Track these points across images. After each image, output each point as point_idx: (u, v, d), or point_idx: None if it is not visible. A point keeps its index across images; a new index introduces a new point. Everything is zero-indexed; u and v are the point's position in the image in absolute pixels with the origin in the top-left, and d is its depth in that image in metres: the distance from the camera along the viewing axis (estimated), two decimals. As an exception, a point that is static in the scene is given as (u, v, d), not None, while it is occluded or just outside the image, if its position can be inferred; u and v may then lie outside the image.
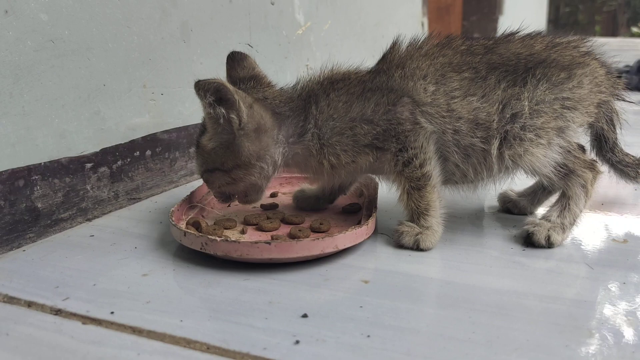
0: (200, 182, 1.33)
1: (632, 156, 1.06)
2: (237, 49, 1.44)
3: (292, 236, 0.96)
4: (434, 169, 0.93)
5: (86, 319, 0.73)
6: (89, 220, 1.09)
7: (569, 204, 0.96)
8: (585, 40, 0.98)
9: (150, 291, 0.81)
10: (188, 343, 0.68)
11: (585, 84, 0.93)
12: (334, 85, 0.96)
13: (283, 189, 1.24)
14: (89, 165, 1.08)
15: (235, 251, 0.84)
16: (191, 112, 1.33)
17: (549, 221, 0.95)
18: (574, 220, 0.95)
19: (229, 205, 1.15)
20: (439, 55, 0.95)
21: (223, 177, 0.96)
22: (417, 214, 0.94)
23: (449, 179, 0.97)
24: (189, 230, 0.89)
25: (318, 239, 0.85)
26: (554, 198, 1.10)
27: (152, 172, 1.23)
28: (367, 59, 1.01)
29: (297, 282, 0.83)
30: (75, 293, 0.80)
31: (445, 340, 0.68)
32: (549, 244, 0.93)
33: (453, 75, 0.93)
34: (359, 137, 0.93)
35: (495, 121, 0.92)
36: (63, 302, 0.77)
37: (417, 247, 0.92)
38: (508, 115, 0.92)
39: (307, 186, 1.15)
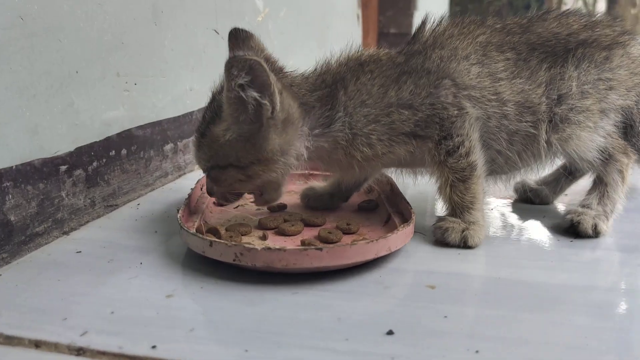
0: (178, 183, 1.18)
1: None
2: (205, 35, 1.31)
3: (323, 240, 0.84)
4: (479, 158, 0.85)
5: (122, 358, 0.58)
6: (66, 233, 0.91)
7: (607, 191, 0.91)
8: (619, 20, 0.94)
9: (187, 316, 0.67)
10: (269, 379, 0.55)
11: (624, 64, 0.89)
12: (363, 68, 0.86)
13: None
14: (63, 167, 0.90)
15: (279, 261, 0.71)
16: (164, 104, 1.17)
17: (592, 209, 0.90)
18: (614, 208, 0.91)
19: (221, 205, 1.01)
20: (478, 34, 0.87)
21: (237, 175, 0.82)
22: (461, 207, 0.85)
23: (493, 170, 0.89)
24: (216, 240, 0.75)
25: (372, 241, 0.75)
26: (574, 186, 1.07)
27: (128, 174, 1.06)
28: (317, 50, 0.90)
29: (355, 293, 0.72)
30: (93, 325, 0.64)
31: (561, 349, 0.60)
32: (596, 233, 0.88)
33: (496, 55, 0.86)
34: (398, 124, 0.83)
35: (544, 103, 0.85)
36: (82, 338, 0.61)
37: (464, 245, 0.84)
38: (555, 97, 0.86)
39: (317, 183, 1.03)
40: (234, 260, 0.73)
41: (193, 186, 0.99)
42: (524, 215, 1.00)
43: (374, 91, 0.84)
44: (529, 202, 1.06)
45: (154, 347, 0.60)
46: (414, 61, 0.86)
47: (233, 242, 0.74)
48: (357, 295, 0.71)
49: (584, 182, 1.06)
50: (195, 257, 0.81)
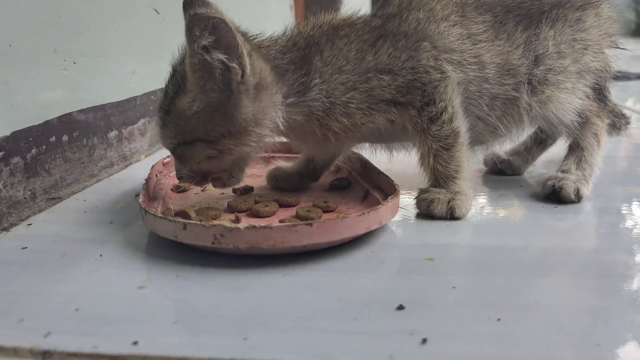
0: (125, 173, 1.07)
1: (618, 107, 1.04)
2: (148, 16, 1.20)
3: (302, 219, 0.77)
4: (462, 125, 0.81)
5: (101, 359, 0.49)
6: (6, 229, 0.79)
7: (584, 156, 0.90)
8: None
9: (167, 307, 0.58)
10: (279, 367, 0.48)
11: (597, 24, 0.88)
12: (338, 32, 0.79)
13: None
14: (-1, 154, 0.78)
15: (266, 240, 0.64)
16: (106, 87, 1.06)
17: (572, 174, 0.88)
18: (592, 172, 0.90)
19: (182, 191, 0.92)
20: None
21: (205, 150, 0.74)
22: (445, 177, 0.81)
23: (472, 138, 0.85)
24: (191, 221, 0.66)
25: (364, 213, 0.69)
26: (544, 155, 1.05)
27: (71, 164, 0.95)
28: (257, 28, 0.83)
29: (351, 270, 0.65)
30: (56, 325, 0.54)
31: (583, 310, 0.56)
32: (578, 198, 0.86)
33: (475, 17, 0.82)
34: (378, 91, 0.78)
35: (524, 65, 0.82)
36: (47, 340, 0.52)
37: (451, 216, 0.79)
38: (532, 58, 0.83)
39: (284, 163, 0.96)
40: (213, 243, 0.64)
41: (149, 172, 0.90)
42: (500, 187, 0.97)
43: (351, 56, 0.78)
44: (501, 173, 1.03)
45: (135, 343, 0.51)
46: (390, 24, 0.80)
47: (211, 223, 0.66)
48: (354, 273, 0.65)
49: (552, 152, 1.05)
50: (162, 244, 0.72)
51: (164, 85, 0.78)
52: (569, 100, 0.85)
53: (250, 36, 0.79)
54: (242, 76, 0.70)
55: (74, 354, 0.50)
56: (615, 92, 1.91)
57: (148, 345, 0.51)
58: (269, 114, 0.75)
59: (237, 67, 0.69)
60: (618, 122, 1.01)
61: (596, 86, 0.92)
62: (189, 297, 0.60)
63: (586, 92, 0.88)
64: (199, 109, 0.72)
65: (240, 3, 1.88)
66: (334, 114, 0.77)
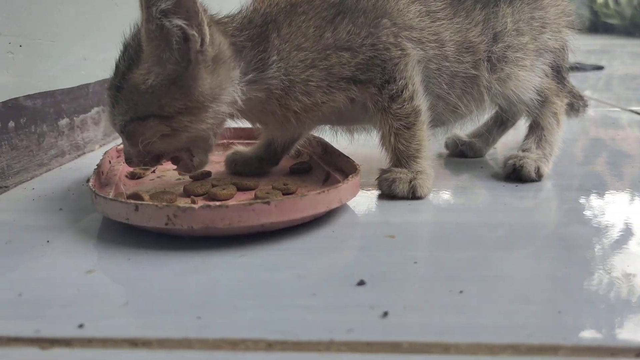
0: (78, 163, 1.04)
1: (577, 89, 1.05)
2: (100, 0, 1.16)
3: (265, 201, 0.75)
4: (423, 103, 0.79)
5: (43, 342, 0.46)
6: (-54, 219, 0.75)
7: (544, 135, 0.90)
8: None
9: (117, 290, 0.56)
10: (234, 344, 0.46)
11: (554, 3, 0.88)
12: (296, 9, 0.77)
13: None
14: (-63, 139, 0.74)
15: (222, 219, 0.62)
16: (56, 73, 1.02)
17: (533, 153, 0.88)
18: (552, 151, 0.90)
19: (137, 177, 0.89)
20: None
21: (160, 127, 0.71)
22: (407, 156, 0.79)
23: (435, 119, 0.84)
24: (143, 202, 0.64)
25: (323, 191, 0.67)
26: (504, 137, 1.05)
27: (18, 152, 0.91)
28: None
29: (311, 249, 0.64)
30: (-4, 311, 0.51)
31: (545, 280, 0.56)
32: (539, 176, 0.86)
33: None
34: (338, 68, 0.76)
35: (484, 42, 0.82)
36: (-15, 327, 0.48)
37: (412, 195, 0.78)
38: (491, 35, 0.83)
39: (243, 148, 0.94)
40: (166, 224, 0.62)
41: (101, 157, 0.86)
42: (462, 168, 0.97)
43: (310, 33, 0.76)
44: (462, 155, 1.02)
45: (81, 326, 0.48)
46: (349, 1, 0.79)
47: (164, 203, 0.63)
48: (314, 251, 0.63)
49: (512, 135, 1.05)
50: (114, 229, 0.69)
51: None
52: (528, 78, 0.85)
53: (206, 10, 0.76)
54: (202, 45, 0.68)
55: (15, 339, 0.47)
56: (574, 82, 1.95)
57: (94, 328, 0.48)
58: (226, 89, 0.72)
59: (196, 34, 0.67)
60: (576, 103, 1.02)
61: (555, 65, 0.92)
62: (140, 280, 0.57)
63: (545, 70, 0.88)
64: (154, 82, 0.69)
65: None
66: (293, 92, 0.75)
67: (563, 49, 0.92)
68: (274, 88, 0.75)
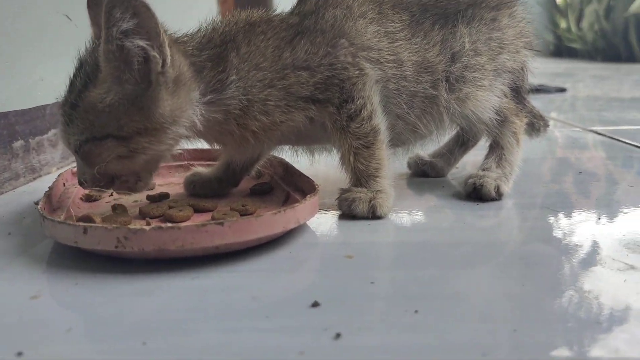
0: (33, 186, 1.01)
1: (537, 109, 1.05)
2: (57, 20, 1.14)
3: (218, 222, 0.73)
4: (382, 122, 0.79)
5: (-24, 374, 0.44)
6: None
7: (504, 154, 0.90)
8: None
9: (61, 316, 0.53)
10: (180, 370, 0.44)
11: (511, 25, 0.89)
12: (255, 29, 0.77)
13: (158, 180, 0.98)
14: None
15: (174, 241, 0.60)
16: (10, 94, 0.99)
17: (493, 172, 0.88)
18: (512, 170, 0.90)
19: (93, 200, 0.86)
20: None
21: (116, 149, 0.69)
22: (366, 176, 0.79)
23: (395, 139, 0.83)
24: (92, 224, 0.61)
25: (280, 212, 0.66)
26: (466, 157, 1.06)
27: (-33, 174, 0.88)
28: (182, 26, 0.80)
29: (267, 270, 0.62)
30: None
31: (501, 297, 0.55)
32: (499, 195, 0.86)
33: (392, 14, 0.82)
34: (296, 87, 0.76)
35: (442, 62, 0.82)
36: None
37: (372, 215, 0.78)
38: (449, 55, 0.83)
39: (202, 169, 0.92)
40: (116, 246, 0.60)
41: (55, 179, 0.84)
42: (423, 188, 0.96)
43: (269, 53, 0.76)
44: (424, 175, 1.02)
45: (19, 354, 0.46)
46: (308, 21, 0.79)
47: (114, 225, 0.61)
48: (270, 273, 0.62)
49: (473, 155, 1.06)
50: (64, 253, 0.67)
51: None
52: (486, 97, 0.86)
53: (167, 30, 0.75)
54: (163, 66, 0.67)
55: (-54, 370, 0.44)
56: (539, 104, 1.98)
57: (34, 356, 0.46)
58: (186, 112, 0.71)
59: (157, 56, 0.66)
60: (537, 123, 1.02)
61: (514, 86, 0.92)
62: (86, 305, 0.55)
63: (504, 90, 0.89)
64: (112, 101, 0.67)
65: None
66: (252, 112, 0.75)
67: (522, 69, 0.93)
68: (232, 108, 0.74)
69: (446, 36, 0.84)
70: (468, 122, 0.88)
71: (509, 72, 0.89)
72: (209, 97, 0.73)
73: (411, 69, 0.81)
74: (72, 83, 0.72)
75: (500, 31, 0.87)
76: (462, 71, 0.84)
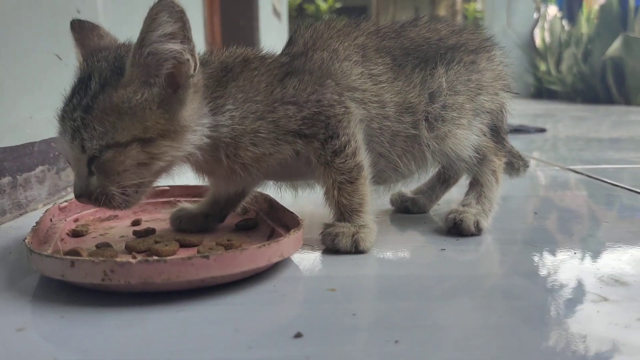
0: (19, 222, 1.01)
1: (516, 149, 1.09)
2: (45, 59, 1.17)
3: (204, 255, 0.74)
4: (365, 159, 0.82)
5: (-40, 404, 0.44)
6: None
7: (483, 191, 0.93)
8: (481, 28, 0.99)
9: (47, 348, 0.54)
10: (164, 400, 0.44)
11: (490, 68, 0.93)
12: (249, 65, 0.80)
13: (145, 216, 0.99)
14: None
15: (159, 274, 0.61)
16: (1, 131, 1.01)
17: (472, 208, 0.90)
18: (492, 206, 0.93)
19: (79, 235, 0.87)
20: (355, 36, 0.86)
21: (139, 155, 0.70)
22: (349, 211, 0.81)
23: (377, 176, 0.86)
24: (79, 258, 0.62)
25: (264, 245, 0.67)
26: (448, 195, 1.08)
27: (-46, 210, 0.88)
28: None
29: (251, 303, 0.63)
30: None
31: (480, 329, 0.57)
32: (478, 230, 0.88)
33: (375, 58, 0.85)
34: (284, 121, 0.78)
35: (422, 102, 0.86)
36: None
37: (355, 249, 0.79)
38: (427, 95, 0.87)
39: (189, 205, 0.94)
40: (102, 279, 0.61)
41: (42, 214, 0.85)
42: (405, 223, 0.99)
43: (261, 88, 0.79)
44: (407, 211, 1.05)
45: (5, 385, 0.46)
46: (297, 62, 0.82)
47: (101, 258, 0.62)
48: (254, 306, 0.63)
49: (455, 193, 1.08)
50: (50, 287, 0.68)
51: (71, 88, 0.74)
52: (465, 136, 0.89)
53: None
54: (195, 68, 0.71)
55: None
56: (520, 144, 2.04)
57: (19, 387, 0.46)
58: (200, 119, 0.74)
59: (190, 59, 0.69)
60: (516, 162, 1.06)
61: (493, 126, 0.96)
62: (71, 338, 0.55)
63: (482, 129, 0.92)
64: (139, 103, 0.69)
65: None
66: (243, 142, 0.77)
67: (501, 110, 0.97)
68: (222, 135, 0.77)
69: (425, 77, 0.88)
70: (448, 160, 0.91)
71: (488, 112, 0.93)
72: (206, 119, 0.76)
73: (393, 110, 0.84)
74: (78, 91, 0.71)
75: (479, 73, 0.91)
76: (441, 110, 0.87)
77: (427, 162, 0.90)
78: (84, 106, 0.69)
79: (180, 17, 0.67)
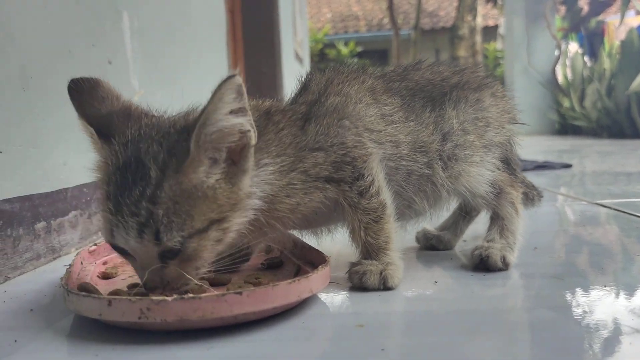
0: (52, 266, 1.04)
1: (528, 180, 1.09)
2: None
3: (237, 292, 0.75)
4: (388, 197, 0.83)
5: None
6: None
7: (505, 225, 0.93)
8: (479, 67, 1.02)
9: (83, 385, 0.55)
10: None
11: (494, 103, 0.95)
12: (272, 118, 0.81)
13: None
14: None
15: (195, 311, 0.62)
16: (35, 177, 1.05)
17: (497, 242, 0.91)
18: (516, 239, 0.93)
19: (108, 277, 0.89)
20: (363, 79, 0.89)
21: (216, 235, 0.68)
22: (376, 249, 0.82)
23: (396, 214, 0.87)
24: (116, 297, 0.64)
25: (294, 281, 0.68)
26: (473, 230, 1.08)
27: (-8, 254, 0.91)
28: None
29: (281, 340, 0.64)
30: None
31: (511, 362, 0.56)
32: (505, 265, 0.88)
33: (385, 99, 0.88)
34: (316, 169, 0.79)
35: (436, 142, 0.88)
36: None
37: (383, 286, 0.80)
38: (440, 136, 0.88)
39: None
40: (139, 317, 0.62)
41: (73, 258, 0.87)
42: (432, 260, 0.99)
43: (287, 141, 0.79)
44: (433, 248, 1.05)
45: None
46: (314, 109, 0.84)
47: (137, 297, 0.64)
48: (283, 342, 0.63)
49: (481, 229, 1.08)
50: (85, 326, 0.69)
51: (125, 178, 0.67)
52: (479, 172, 0.91)
53: None
54: (255, 139, 0.70)
55: None
56: (546, 180, 2.03)
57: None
58: (256, 181, 0.74)
59: (252, 130, 0.69)
60: (530, 193, 1.06)
61: (504, 158, 0.97)
62: (107, 375, 0.57)
63: (495, 164, 0.93)
64: (213, 184, 0.68)
65: (178, 101, 1.92)
66: (278, 195, 0.77)
67: (509, 142, 0.99)
68: (265, 194, 0.75)
69: (436, 118, 0.90)
70: (465, 197, 0.92)
71: (498, 146, 0.94)
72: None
73: (407, 149, 0.86)
74: (131, 181, 0.66)
75: (485, 110, 0.93)
76: (453, 150, 0.89)
77: (442, 199, 0.91)
78: (148, 197, 0.64)
79: (241, 92, 0.66)
